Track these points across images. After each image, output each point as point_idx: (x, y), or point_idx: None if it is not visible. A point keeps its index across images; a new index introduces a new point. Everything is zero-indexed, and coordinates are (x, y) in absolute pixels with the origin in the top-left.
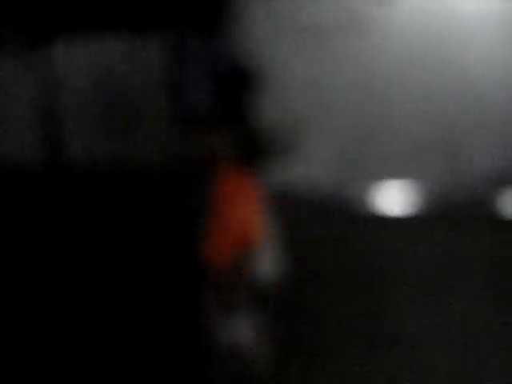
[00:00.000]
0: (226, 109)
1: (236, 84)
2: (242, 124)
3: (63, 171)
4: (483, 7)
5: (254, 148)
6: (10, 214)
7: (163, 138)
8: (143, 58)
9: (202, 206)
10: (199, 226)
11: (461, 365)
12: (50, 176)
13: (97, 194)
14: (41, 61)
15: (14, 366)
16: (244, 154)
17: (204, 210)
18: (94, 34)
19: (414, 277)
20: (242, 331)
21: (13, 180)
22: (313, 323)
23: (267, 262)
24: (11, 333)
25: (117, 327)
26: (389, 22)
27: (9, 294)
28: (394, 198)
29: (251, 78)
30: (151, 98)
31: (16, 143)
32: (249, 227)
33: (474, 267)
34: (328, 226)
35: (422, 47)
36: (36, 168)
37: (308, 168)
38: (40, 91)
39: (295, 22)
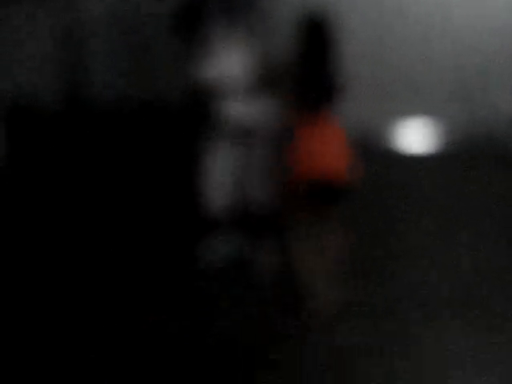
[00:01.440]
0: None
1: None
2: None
3: (83, 109)
4: None
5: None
6: (31, 151)
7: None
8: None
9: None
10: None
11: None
12: (69, 113)
13: (119, 132)
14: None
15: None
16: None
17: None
18: None
19: (429, 214)
20: None
21: (33, 117)
22: None
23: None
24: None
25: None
26: None
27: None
28: (414, 136)
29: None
30: (172, 38)
31: (36, 80)
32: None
33: (488, 205)
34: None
35: None
36: (56, 105)
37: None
38: (60, 30)
39: None
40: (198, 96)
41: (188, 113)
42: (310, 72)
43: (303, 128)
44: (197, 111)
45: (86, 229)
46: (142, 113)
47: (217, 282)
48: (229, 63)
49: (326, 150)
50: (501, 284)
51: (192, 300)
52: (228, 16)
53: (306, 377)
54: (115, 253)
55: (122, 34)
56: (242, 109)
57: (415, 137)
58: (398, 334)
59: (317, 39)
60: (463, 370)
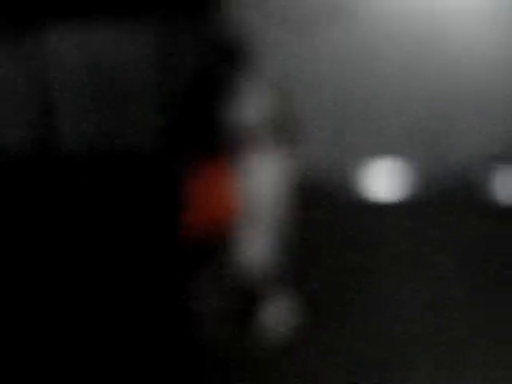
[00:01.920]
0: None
1: (225, 67)
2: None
3: (55, 156)
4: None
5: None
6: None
7: (150, 124)
8: (132, 44)
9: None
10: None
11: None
12: (41, 160)
13: (82, 176)
14: (31, 47)
15: None
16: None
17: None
18: (83, 20)
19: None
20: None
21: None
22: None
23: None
24: None
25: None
26: (374, 10)
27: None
28: (382, 180)
29: (239, 60)
30: (139, 83)
31: (5, 128)
32: (225, 207)
33: (456, 250)
34: (316, 208)
35: (410, 34)
36: (27, 152)
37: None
38: (30, 78)
39: (281, 12)
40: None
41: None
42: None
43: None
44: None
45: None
46: (112, 161)
47: None
48: None
49: (213, 195)
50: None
51: None
52: None
53: None
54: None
55: (93, 83)
56: None
57: (381, 181)
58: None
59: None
60: None
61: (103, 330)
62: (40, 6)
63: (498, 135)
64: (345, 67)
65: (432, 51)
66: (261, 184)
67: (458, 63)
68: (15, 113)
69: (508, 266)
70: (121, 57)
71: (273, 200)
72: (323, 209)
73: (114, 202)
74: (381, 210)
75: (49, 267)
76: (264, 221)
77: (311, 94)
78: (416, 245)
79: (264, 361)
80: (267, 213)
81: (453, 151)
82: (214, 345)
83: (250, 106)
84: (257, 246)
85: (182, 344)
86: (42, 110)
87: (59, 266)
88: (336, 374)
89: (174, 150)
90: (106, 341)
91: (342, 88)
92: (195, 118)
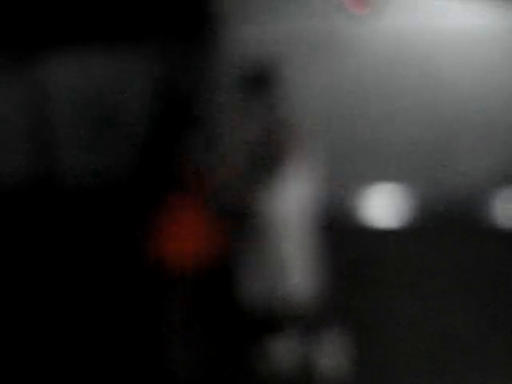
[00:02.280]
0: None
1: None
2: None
3: (52, 184)
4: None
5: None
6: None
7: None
8: (132, 72)
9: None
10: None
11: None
12: (39, 188)
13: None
14: (30, 76)
15: None
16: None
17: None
18: (81, 49)
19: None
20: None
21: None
22: None
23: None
24: None
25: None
26: (375, 35)
27: None
28: (383, 205)
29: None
30: (139, 110)
31: (5, 156)
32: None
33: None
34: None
35: (408, 60)
36: (25, 179)
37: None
38: (29, 106)
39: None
40: None
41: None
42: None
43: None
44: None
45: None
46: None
47: None
48: None
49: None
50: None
51: None
52: None
53: None
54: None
55: (90, 110)
56: None
57: (382, 207)
58: None
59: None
60: None
61: None
62: (38, 35)
63: (499, 160)
64: (347, 94)
65: (431, 76)
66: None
67: (457, 88)
68: (12, 140)
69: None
70: (121, 85)
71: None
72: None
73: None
74: (383, 236)
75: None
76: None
77: (310, 119)
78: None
79: None
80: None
81: (454, 176)
82: None
83: (254, 126)
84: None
85: None
86: (40, 141)
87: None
88: None
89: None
90: None
91: (341, 116)
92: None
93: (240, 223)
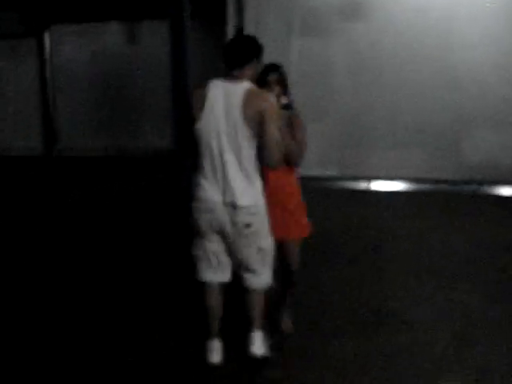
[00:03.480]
0: None
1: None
2: None
3: (60, 157)
4: None
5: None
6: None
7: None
8: (143, 46)
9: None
10: None
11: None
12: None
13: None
14: (37, 49)
15: None
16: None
17: None
18: (93, 21)
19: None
20: None
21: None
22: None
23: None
24: None
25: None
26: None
27: None
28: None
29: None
30: (151, 85)
31: (14, 131)
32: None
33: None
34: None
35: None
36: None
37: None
38: (37, 80)
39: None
40: None
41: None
42: None
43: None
44: None
45: None
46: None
47: None
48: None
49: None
50: None
51: None
52: None
53: None
54: None
55: (98, 83)
56: None
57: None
58: None
59: None
60: None
61: None
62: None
63: None
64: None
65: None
66: None
67: (475, 54)
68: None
69: None
70: (132, 57)
71: None
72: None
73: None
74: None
75: None
76: None
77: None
78: None
79: None
80: None
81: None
82: None
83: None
84: None
85: None
86: (46, 111)
87: None
88: None
89: None
90: None
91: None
92: None
93: None
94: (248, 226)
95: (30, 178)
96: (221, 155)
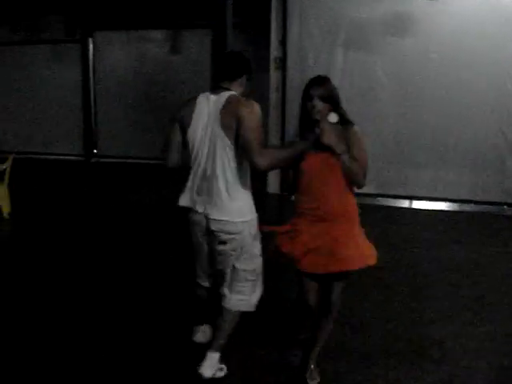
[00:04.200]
0: None
1: None
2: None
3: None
4: None
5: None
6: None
7: None
8: (184, 50)
9: None
10: None
11: None
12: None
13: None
14: (81, 55)
15: None
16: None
17: None
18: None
19: None
20: None
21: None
22: None
23: None
24: None
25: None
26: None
27: None
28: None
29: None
30: (188, 95)
31: (58, 134)
32: None
33: None
34: None
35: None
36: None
37: None
38: (81, 82)
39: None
40: None
41: None
42: None
43: None
44: None
45: None
46: None
47: None
48: None
49: None
50: None
51: None
52: None
53: None
54: None
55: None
56: None
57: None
58: None
59: None
60: None
61: None
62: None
63: None
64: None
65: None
66: None
67: None
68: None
69: None
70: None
71: None
72: None
73: None
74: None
75: None
76: None
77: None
78: None
79: None
80: None
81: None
82: None
83: None
84: None
85: None
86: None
87: None
88: None
89: None
90: None
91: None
92: None
93: None
94: (222, 243)
95: (69, 181)
96: (205, 166)
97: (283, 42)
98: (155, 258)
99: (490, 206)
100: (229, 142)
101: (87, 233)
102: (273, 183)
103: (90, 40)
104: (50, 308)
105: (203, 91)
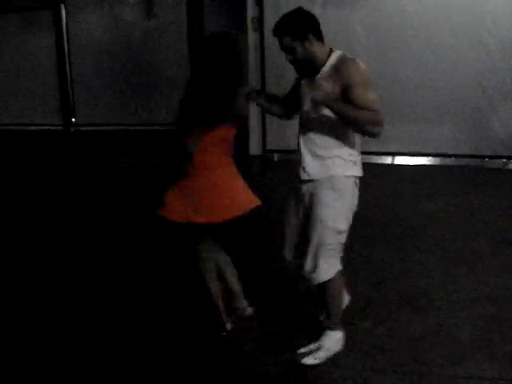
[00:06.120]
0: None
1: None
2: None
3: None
4: None
5: None
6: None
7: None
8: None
9: None
10: None
11: None
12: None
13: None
14: (53, 21)
15: None
16: None
17: None
18: None
19: None
20: None
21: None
22: None
23: None
24: None
25: None
26: None
27: None
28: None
29: None
30: (167, 58)
31: (35, 104)
32: None
33: None
34: None
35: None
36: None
37: None
38: (54, 52)
39: None
40: None
41: None
42: None
43: None
44: None
45: None
46: None
47: None
48: None
49: None
50: None
51: None
52: None
53: None
54: None
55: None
56: None
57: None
58: None
59: None
60: None
61: None
62: None
63: None
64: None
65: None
66: None
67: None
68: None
69: None
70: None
71: None
72: None
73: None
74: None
75: None
76: None
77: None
78: None
79: None
80: None
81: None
82: None
83: None
84: None
85: None
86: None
87: None
88: None
89: None
90: None
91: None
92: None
93: None
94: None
95: (49, 152)
96: None
97: (259, 1)
98: (148, 233)
99: (471, 159)
100: None
101: (72, 210)
102: (255, 146)
103: (62, 6)
104: (31, 293)
105: (181, 53)
